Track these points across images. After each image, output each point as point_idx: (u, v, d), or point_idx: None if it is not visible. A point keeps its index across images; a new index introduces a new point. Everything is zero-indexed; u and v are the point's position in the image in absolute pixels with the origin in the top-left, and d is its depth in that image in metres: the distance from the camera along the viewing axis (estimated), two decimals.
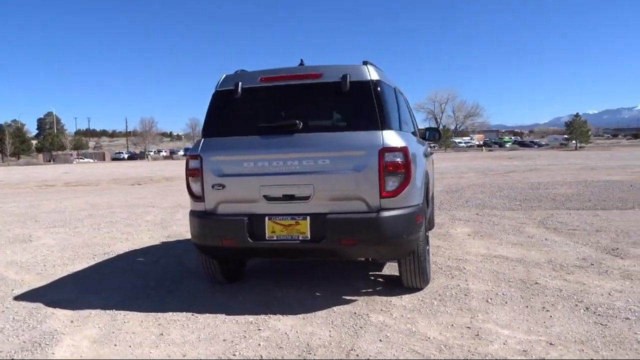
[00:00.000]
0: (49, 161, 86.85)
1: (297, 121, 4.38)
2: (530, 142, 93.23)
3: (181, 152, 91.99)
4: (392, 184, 4.21)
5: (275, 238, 4.34)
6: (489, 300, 4.50)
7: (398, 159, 4.20)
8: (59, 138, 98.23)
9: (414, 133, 5.82)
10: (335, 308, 4.40)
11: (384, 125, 4.31)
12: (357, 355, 3.46)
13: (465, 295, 4.66)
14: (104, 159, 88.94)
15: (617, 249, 6.25)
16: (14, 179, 30.72)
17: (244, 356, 3.54)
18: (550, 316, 4.06)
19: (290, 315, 4.27)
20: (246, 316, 4.29)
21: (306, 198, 4.28)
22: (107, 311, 4.57)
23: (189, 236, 8.22)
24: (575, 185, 13.94)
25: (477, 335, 3.74)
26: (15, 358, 3.66)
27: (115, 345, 3.84)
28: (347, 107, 4.49)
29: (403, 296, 4.68)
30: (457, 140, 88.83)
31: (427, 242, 4.96)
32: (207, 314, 4.38)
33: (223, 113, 4.71)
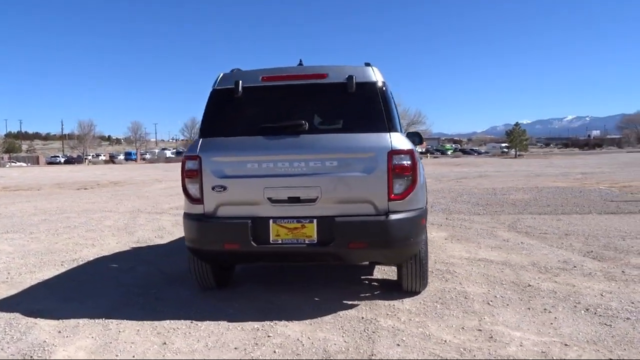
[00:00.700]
0: None
1: (303, 122, 4.27)
2: (470, 149, 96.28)
3: (121, 157, 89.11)
4: (399, 186, 4.17)
5: (280, 242, 4.21)
6: (490, 302, 4.53)
7: (406, 162, 4.17)
8: None
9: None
10: (340, 313, 4.31)
11: (391, 127, 4.27)
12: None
13: (465, 298, 4.67)
14: (37, 163, 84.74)
15: (592, 251, 6.47)
16: None
17: None
18: (555, 317, 4.13)
19: (296, 321, 4.15)
20: (249, 322, 4.14)
21: (313, 200, 4.18)
22: (96, 320, 4.30)
23: (159, 242, 8.03)
24: (529, 191, 14.42)
25: (491, 337, 3.74)
26: None
27: (117, 355, 3.61)
28: (353, 108, 4.43)
29: (404, 300, 4.64)
30: None
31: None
32: (208, 321, 4.20)
33: (222, 112, 4.54)
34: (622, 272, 5.46)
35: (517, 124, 65.09)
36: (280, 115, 4.49)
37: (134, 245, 7.69)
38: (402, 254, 4.35)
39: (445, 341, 3.69)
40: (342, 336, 3.82)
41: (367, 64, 4.58)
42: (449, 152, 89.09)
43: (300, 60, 4.86)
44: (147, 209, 12.15)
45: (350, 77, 4.33)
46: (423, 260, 4.57)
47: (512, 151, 64.59)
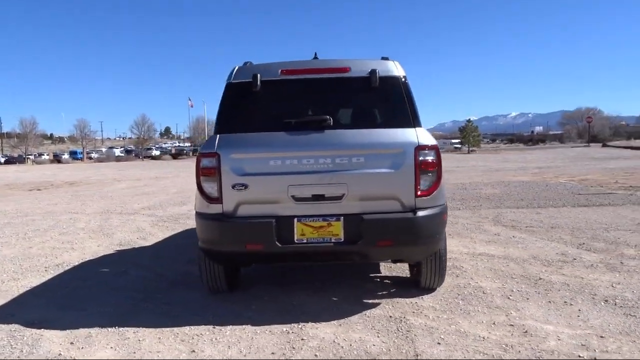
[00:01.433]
0: None
1: (328, 117, 4.15)
2: None
3: (66, 156, 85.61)
4: (425, 182, 4.11)
5: (305, 241, 4.07)
6: (510, 297, 4.54)
7: (431, 158, 4.11)
8: None
9: None
10: (366, 312, 4.22)
11: (416, 122, 4.21)
12: (428, 359, 3.32)
13: (483, 293, 4.67)
14: None
15: (584, 244, 6.62)
16: None
17: None
18: (579, 310, 4.17)
19: (323, 322, 4.03)
20: (275, 325, 3.99)
21: (339, 198, 4.06)
22: (109, 329, 4.05)
23: (143, 244, 7.71)
24: (498, 186, 14.72)
25: (526, 332, 3.74)
26: None
27: None
28: (377, 103, 4.33)
29: (423, 297, 4.60)
30: None
31: None
32: (230, 326, 4.02)
33: (240, 107, 4.35)
34: (621, 263, 5.60)
35: (469, 121, 66.62)
36: (301, 110, 4.35)
37: (118, 248, 7.35)
38: (427, 251, 4.29)
39: (484, 337, 3.65)
40: (378, 336, 3.73)
41: (385, 58, 4.50)
42: None
43: (315, 54, 4.73)
44: (117, 210, 11.68)
45: (373, 71, 4.24)
46: (443, 257, 4.53)
47: (465, 147, 66.03)
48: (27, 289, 5.35)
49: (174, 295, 4.90)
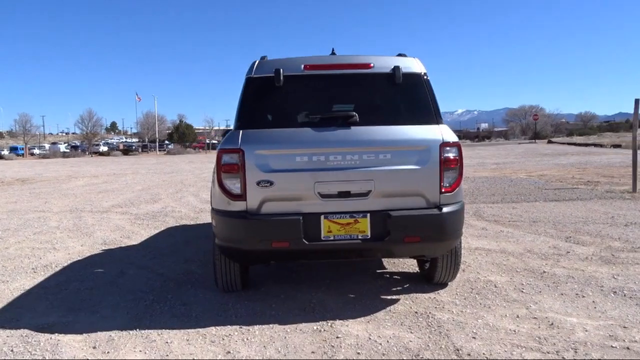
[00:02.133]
0: None
1: (354, 113, 4.13)
2: None
3: (5, 151, 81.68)
4: (449, 179, 4.17)
5: (332, 238, 4.05)
6: (523, 290, 4.66)
7: (454, 154, 4.17)
8: None
9: None
10: (389, 309, 4.25)
11: (439, 119, 4.26)
12: (469, 354, 3.36)
13: (495, 287, 4.77)
14: None
15: (570, 237, 6.87)
16: None
17: None
18: (593, 301, 4.33)
19: (350, 320, 4.03)
20: (304, 324, 3.96)
21: (365, 194, 4.06)
22: (130, 331, 3.92)
23: (129, 243, 7.47)
24: (464, 182, 15.04)
25: (552, 324, 3.85)
26: None
27: None
28: (401, 99, 4.35)
29: (440, 292, 4.66)
30: None
31: None
32: (257, 325, 3.96)
33: (262, 102, 4.27)
34: (612, 255, 5.84)
35: None
36: (325, 106, 4.32)
37: (104, 248, 7.09)
38: (449, 247, 4.36)
39: (514, 331, 3.74)
40: (411, 332, 3.76)
41: (402, 55, 4.52)
42: None
43: (333, 50, 4.69)
44: (86, 208, 11.27)
45: (396, 68, 4.25)
46: (459, 252, 4.61)
47: None
48: (22, 291, 5.09)
49: (185, 295, 4.77)
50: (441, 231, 4.12)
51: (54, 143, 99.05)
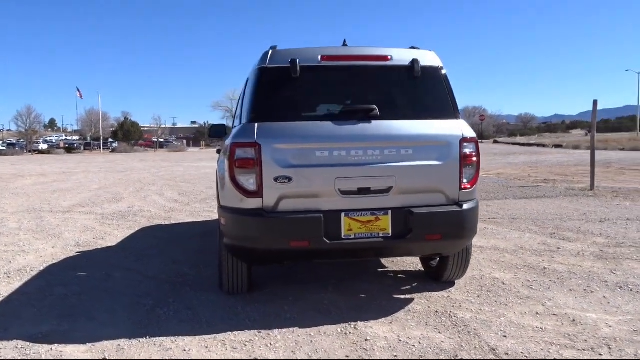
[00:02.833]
0: None
1: (374, 106, 3.99)
2: None
3: None
4: (468, 175, 4.10)
5: (352, 237, 3.89)
6: (532, 287, 4.66)
7: (473, 150, 4.11)
8: None
9: None
10: (407, 308, 4.14)
11: (457, 114, 4.18)
12: (507, 354, 3.30)
13: (503, 284, 4.76)
14: None
15: (554, 234, 6.99)
16: None
17: None
18: (604, 297, 4.37)
19: (372, 321, 3.90)
20: (326, 326, 3.80)
21: (386, 191, 3.93)
22: (140, 339, 3.64)
23: (104, 244, 7.08)
24: None
25: (574, 321, 3.84)
26: None
27: None
28: (420, 93, 4.23)
29: (451, 290, 4.61)
30: None
31: None
32: (277, 329, 3.76)
33: (278, 94, 4.06)
34: (601, 251, 5.97)
35: None
36: (343, 98, 4.17)
37: (78, 250, 6.65)
38: (465, 244, 4.30)
39: (541, 328, 3.70)
40: (440, 332, 3.66)
41: (415, 48, 4.42)
42: None
43: (344, 41, 4.53)
44: (45, 208, 10.61)
45: (415, 61, 4.13)
46: (469, 250, 4.56)
47: None
48: (1, 298, 4.68)
49: (187, 298, 4.50)
50: (462, 228, 4.05)
51: None
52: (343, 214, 3.88)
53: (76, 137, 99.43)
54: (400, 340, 3.52)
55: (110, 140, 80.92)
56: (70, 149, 63.23)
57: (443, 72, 4.25)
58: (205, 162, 29.53)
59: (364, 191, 3.91)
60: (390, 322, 3.86)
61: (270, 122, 3.93)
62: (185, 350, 3.45)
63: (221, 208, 4.17)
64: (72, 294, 4.75)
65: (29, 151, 60.71)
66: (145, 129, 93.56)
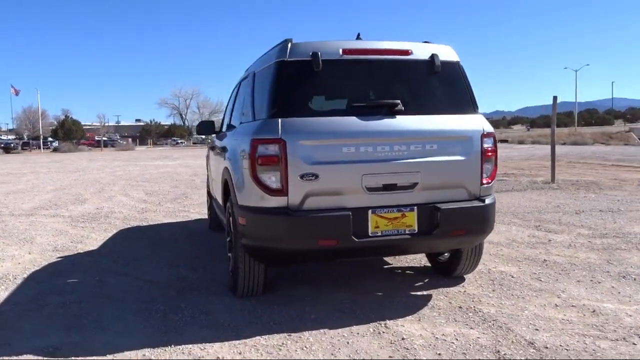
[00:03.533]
0: None
1: (398, 101, 3.93)
2: None
3: None
4: (488, 170, 4.12)
5: (379, 234, 3.83)
6: (541, 279, 4.73)
7: (492, 145, 4.13)
8: None
9: None
10: (431, 305, 4.12)
11: (476, 109, 4.19)
12: (546, 347, 3.32)
13: (512, 277, 4.81)
14: None
15: (539, 226, 7.17)
16: None
17: None
18: (613, 287, 4.49)
19: (400, 319, 3.85)
20: (356, 326, 3.72)
21: (411, 187, 3.89)
22: (166, 348, 3.46)
23: (84, 248, 6.76)
24: None
25: (594, 312, 3.92)
26: None
27: None
28: (441, 88, 4.20)
29: (464, 285, 4.63)
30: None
31: None
32: (307, 332, 3.66)
33: (300, 88, 3.93)
34: (589, 242, 6.16)
35: None
36: (365, 93, 4.08)
37: (58, 255, 6.29)
38: (484, 239, 4.32)
39: (568, 320, 3.76)
40: (472, 328, 3.65)
41: (427, 42, 4.40)
42: None
43: (358, 34, 4.44)
44: (3, 212, 9.96)
45: (435, 56, 4.10)
46: (482, 244, 4.59)
47: None
48: None
49: (200, 303, 4.32)
50: (485, 223, 4.07)
51: None
52: (370, 211, 3.81)
53: (12, 137, 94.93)
54: (436, 338, 3.49)
55: (50, 139, 77.57)
56: (7, 148, 60.09)
57: (461, 67, 4.24)
58: (160, 161, 28.80)
59: (389, 187, 3.86)
60: (419, 320, 3.83)
61: (294, 118, 3.80)
62: (219, 358, 3.29)
63: (239, 208, 4.02)
64: (70, 302, 4.47)
65: None
66: (88, 127, 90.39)
